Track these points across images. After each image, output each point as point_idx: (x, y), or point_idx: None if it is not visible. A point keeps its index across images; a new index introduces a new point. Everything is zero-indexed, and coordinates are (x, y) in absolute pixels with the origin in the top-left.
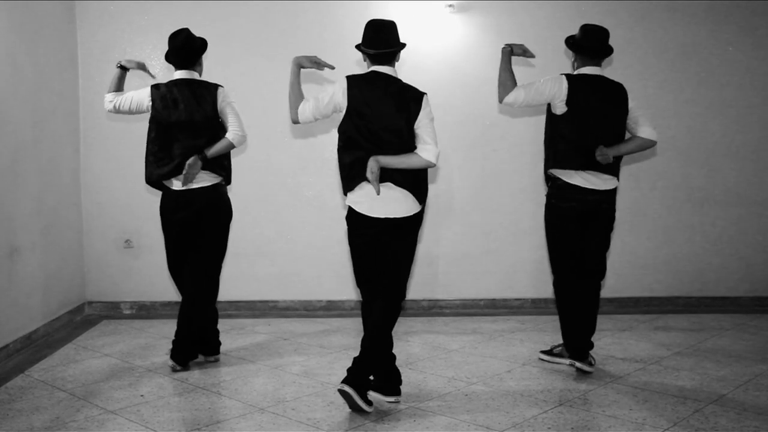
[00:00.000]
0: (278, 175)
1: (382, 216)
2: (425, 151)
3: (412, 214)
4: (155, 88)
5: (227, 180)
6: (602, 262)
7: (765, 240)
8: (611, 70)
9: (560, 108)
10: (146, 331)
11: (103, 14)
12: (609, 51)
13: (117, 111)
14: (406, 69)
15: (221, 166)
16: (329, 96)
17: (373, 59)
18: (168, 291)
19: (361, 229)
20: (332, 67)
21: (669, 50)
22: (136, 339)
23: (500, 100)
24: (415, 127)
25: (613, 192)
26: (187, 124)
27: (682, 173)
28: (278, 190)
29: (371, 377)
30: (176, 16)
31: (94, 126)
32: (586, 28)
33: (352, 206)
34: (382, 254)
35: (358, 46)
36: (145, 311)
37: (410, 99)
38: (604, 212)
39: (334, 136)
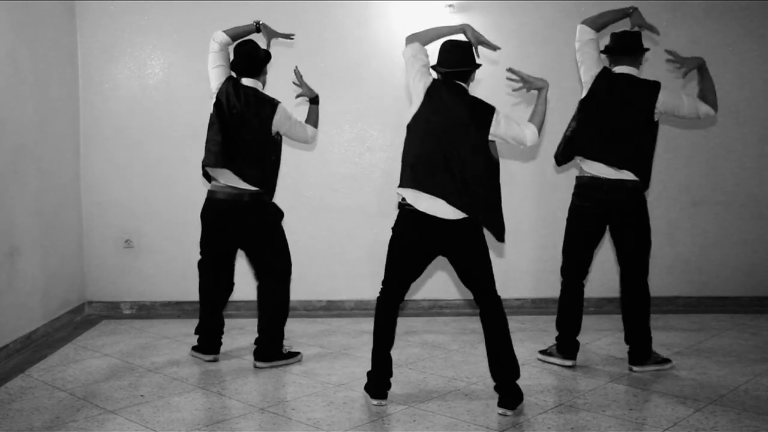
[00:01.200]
0: (278, 175)
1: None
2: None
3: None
4: (228, 80)
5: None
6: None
7: (765, 240)
8: None
9: (584, 91)
10: (146, 331)
11: (103, 14)
12: (629, 50)
13: (211, 50)
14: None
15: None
16: None
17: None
18: (168, 291)
19: None
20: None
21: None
22: (136, 339)
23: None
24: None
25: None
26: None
27: (682, 173)
28: (278, 190)
29: None
30: (176, 16)
31: (94, 126)
32: (613, 33)
33: None
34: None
35: (433, 66)
36: (145, 311)
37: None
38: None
39: (333, 136)
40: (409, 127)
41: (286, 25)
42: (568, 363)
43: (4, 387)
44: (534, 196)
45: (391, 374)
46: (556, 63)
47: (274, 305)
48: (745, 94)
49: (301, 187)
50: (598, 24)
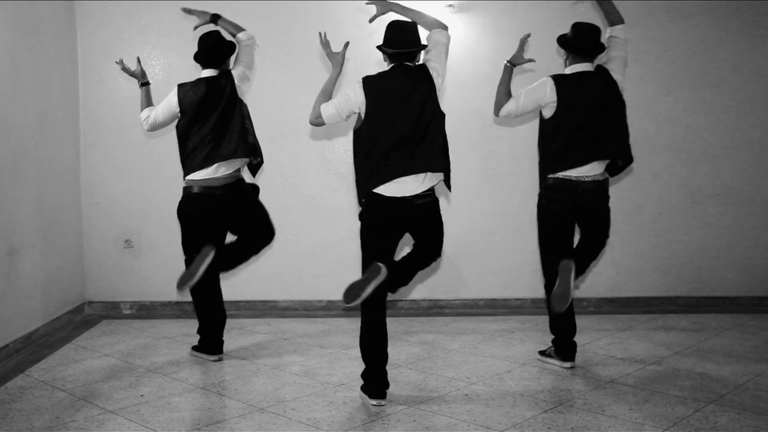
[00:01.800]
0: (278, 175)
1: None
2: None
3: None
4: (180, 86)
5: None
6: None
7: (765, 240)
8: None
9: (549, 110)
10: (146, 331)
11: (103, 14)
12: (600, 49)
13: (154, 128)
14: None
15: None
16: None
17: (393, 59)
18: (168, 291)
19: None
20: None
21: (669, 50)
22: (136, 339)
23: (495, 114)
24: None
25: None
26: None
27: (682, 173)
28: (278, 190)
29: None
30: (176, 16)
31: (94, 126)
32: (578, 27)
33: None
34: None
35: (379, 47)
36: (145, 311)
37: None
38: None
39: (333, 136)
40: (359, 131)
41: (286, 25)
42: (567, 365)
43: (4, 387)
44: (534, 196)
45: (386, 372)
46: (556, 63)
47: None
48: (746, 94)
49: (301, 187)
50: (504, 97)
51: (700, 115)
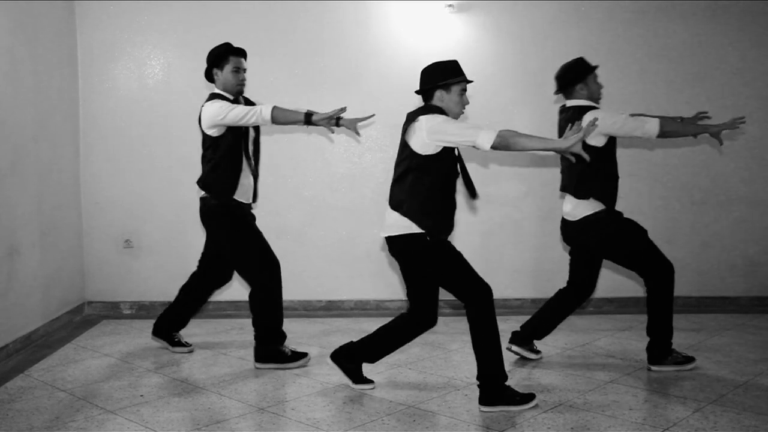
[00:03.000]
0: (278, 175)
1: None
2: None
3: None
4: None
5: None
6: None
7: (765, 240)
8: (609, 70)
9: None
10: (146, 331)
11: (103, 14)
12: (561, 85)
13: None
14: (406, 69)
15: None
16: None
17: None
18: (168, 291)
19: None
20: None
21: (668, 50)
22: (136, 339)
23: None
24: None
25: (583, 222)
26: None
27: (682, 173)
28: (278, 190)
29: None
30: (176, 16)
31: (94, 126)
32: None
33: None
34: None
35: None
36: (145, 311)
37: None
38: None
39: (333, 136)
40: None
41: (286, 25)
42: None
43: (4, 387)
44: (534, 197)
45: None
46: (556, 63)
47: (251, 307)
48: (746, 94)
49: (301, 187)
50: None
51: None
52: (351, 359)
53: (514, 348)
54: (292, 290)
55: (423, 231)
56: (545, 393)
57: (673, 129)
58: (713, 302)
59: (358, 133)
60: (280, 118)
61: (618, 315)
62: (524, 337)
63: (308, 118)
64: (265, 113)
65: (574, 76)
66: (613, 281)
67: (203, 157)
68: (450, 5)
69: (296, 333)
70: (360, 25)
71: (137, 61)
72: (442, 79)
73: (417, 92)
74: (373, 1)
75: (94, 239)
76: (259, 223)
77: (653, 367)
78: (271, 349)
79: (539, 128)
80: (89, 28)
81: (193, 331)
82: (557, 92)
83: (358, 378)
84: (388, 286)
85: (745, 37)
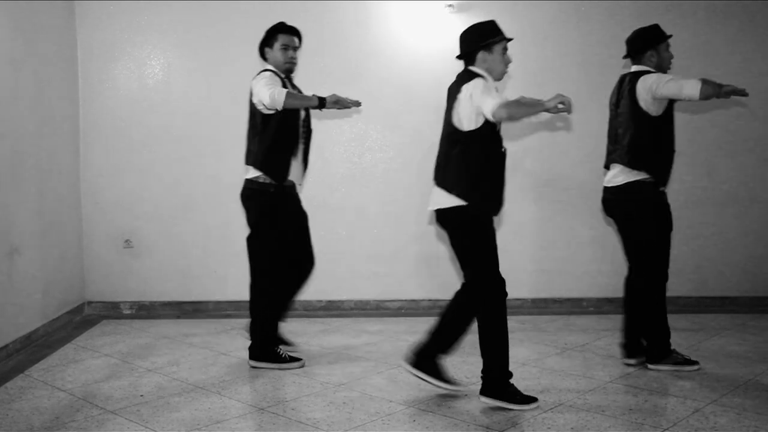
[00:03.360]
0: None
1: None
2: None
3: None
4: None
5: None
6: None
7: (765, 240)
8: (609, 70)
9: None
10: (146, 331)
11: (103, 14)
12: (631, 49)
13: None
14: (406, 69)
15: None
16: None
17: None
18: (168, 291)
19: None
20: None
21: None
22: (136, 339)
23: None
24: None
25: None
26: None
27: (682, 173)
28: None
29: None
30: (176, 16)
31: (94, 126)
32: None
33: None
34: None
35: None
36: (145, 311)
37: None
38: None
39: (333, 136)
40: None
41: None
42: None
43: (4, 387)
44: (534, 196)
45: None
46: (556, 63)
47: (249, 306)
48: None
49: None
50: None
51: (700, 114)
52: (429, 357)
53: (630, 361)
54: None
55: (467, 203)
56: (545, 393)
57: (712, 92)
58: (713, 302)
59: (357, 104)
60: (293, 102)
61: (618, 315)
62: (632, 347)
63: (322, 102)
64: (279, 96)
65: (645, 43)
66: (614, 281)
67: (252, 136)
68: (450, 5)
69: (296, 333)
70: (360, 25)
71: (137, 61)
72: (482, 41)
73: (458, 57)
74: (373, 1)
75: (94, 239)
76: None
77: (651, 366)
78: (267, 349)
79: (538, 127)
80: (89, 28)
81: (192, 330)
82: (626, 57)
83: (443, 376)
84: (388, 286)
85: (746, 37)
